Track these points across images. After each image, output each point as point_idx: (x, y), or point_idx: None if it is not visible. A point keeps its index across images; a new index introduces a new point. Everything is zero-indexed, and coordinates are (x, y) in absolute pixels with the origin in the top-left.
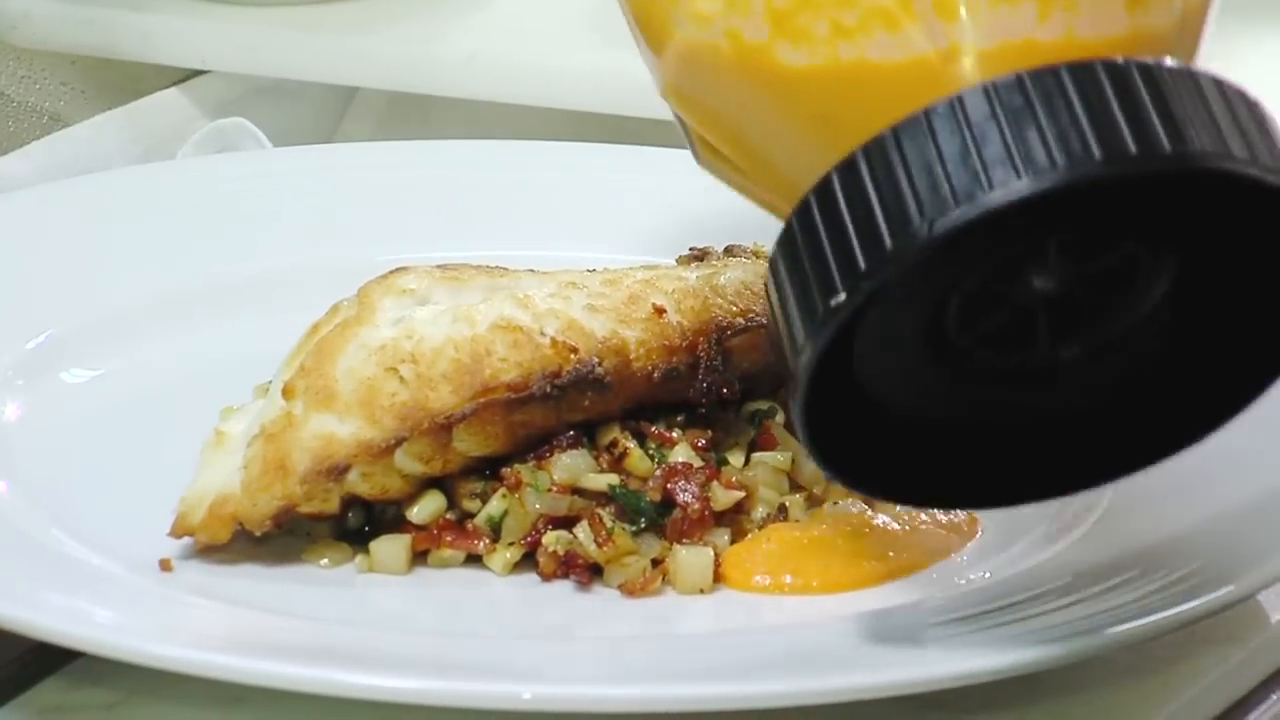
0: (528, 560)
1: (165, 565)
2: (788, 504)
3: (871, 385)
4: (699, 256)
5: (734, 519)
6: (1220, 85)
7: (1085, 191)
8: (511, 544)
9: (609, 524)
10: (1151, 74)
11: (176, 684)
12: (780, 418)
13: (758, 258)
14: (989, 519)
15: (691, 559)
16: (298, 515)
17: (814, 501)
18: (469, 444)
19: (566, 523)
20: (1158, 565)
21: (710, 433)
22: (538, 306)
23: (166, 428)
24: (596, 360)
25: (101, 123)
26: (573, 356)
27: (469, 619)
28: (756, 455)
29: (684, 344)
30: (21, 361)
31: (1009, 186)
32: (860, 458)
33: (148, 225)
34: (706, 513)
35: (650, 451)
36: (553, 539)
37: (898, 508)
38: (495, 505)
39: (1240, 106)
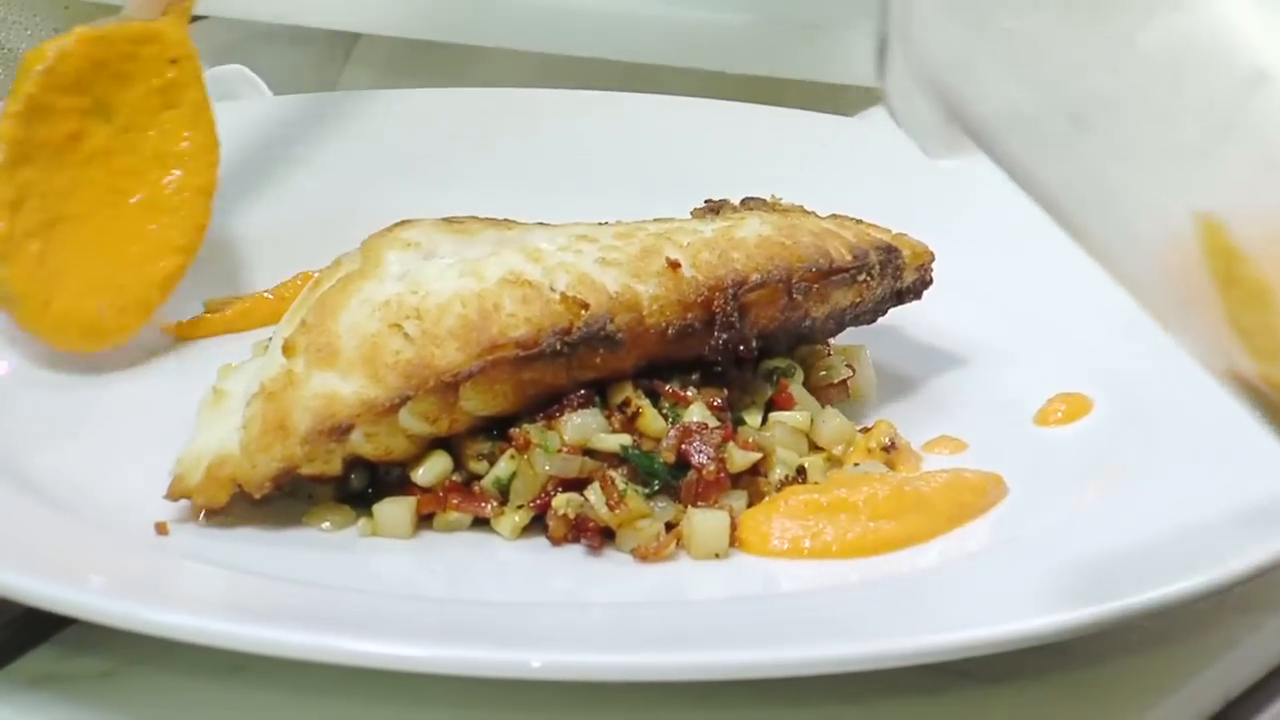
0: (537, 524)
1: (161, 529)
2: (806, 465)
3: None
4: (715, 209)
5: (751, 481)
6: None
7: None
8: (520, 507)
9: (621, 486)
10: None
11: (173, 652)
12: (799, 376)
13: (775, 210)
14: (1016, 481)
15: (706, 522)
16: (298, 477)
17: (833, 463)
18: (476, 403)
19: (577, 485)
20: (1188, 530)
21: (726, 392)
22: (548, 260)
23: (162, 386)
24: (608, 316)
25: None
26: (584, 312)
27: (476, 585)
28: (774, 415)
29: (699, 299)
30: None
31: None
32: None
33: None
34: (722, 474)
35: (664, 411)
36: (563, 502)
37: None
38: (503, 467)
39: None
